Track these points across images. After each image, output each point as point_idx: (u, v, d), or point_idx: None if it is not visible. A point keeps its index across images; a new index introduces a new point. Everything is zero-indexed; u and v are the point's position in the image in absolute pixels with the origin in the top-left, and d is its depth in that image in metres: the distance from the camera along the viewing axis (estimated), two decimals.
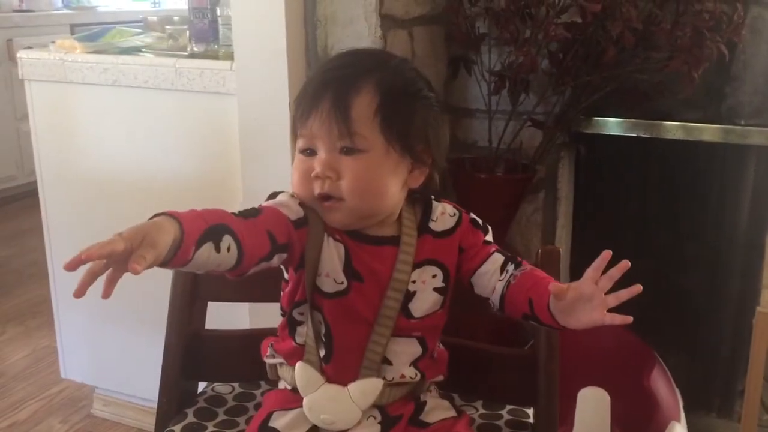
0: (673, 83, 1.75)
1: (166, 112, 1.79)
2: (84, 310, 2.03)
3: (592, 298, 0.85)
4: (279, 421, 0.97)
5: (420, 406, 1.02)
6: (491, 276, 0.98)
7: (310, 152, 0.93)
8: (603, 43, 1.67)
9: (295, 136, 0.95)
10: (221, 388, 1.22)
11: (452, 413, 1.03)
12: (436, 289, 0.98)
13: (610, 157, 2.04)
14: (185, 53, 1.80)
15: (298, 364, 0.97)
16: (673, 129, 1.87)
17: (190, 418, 1.14)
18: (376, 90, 0.90)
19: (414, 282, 0.96)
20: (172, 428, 1.11)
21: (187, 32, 1.83)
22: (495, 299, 0.98)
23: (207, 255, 0.81)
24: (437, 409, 1.03)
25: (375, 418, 0.97)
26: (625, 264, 0.86)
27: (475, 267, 0.99)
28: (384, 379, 0.97)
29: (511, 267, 0.98)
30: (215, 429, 1.12)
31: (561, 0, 1.68)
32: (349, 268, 0.93)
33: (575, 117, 1.88)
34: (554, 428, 1.07)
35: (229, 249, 0.83)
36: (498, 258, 0.99)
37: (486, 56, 1.85)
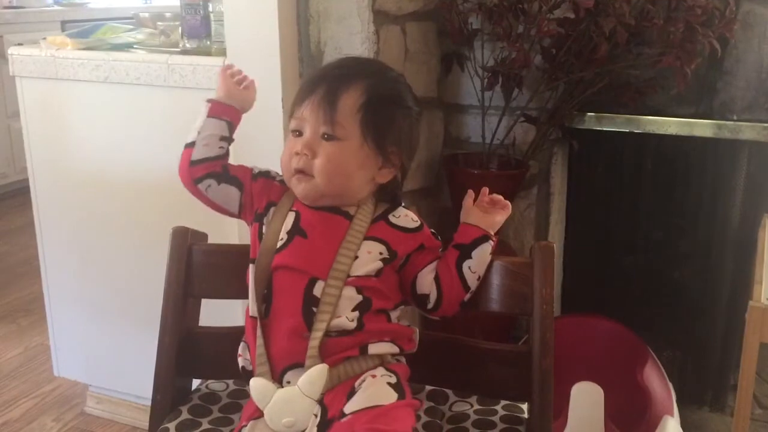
0: (666, 79, 1.76)
1: (159, 109, 1.79)
2: (77, 308, 2.02)
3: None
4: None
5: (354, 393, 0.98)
6: (434, 273, 1.08)
7: (298, 134, 1.04)
8: (596, 38, 1.67)
9: (290, 118, 1.07)
10: (215, 385, 1.22)
11: (376, 403, 0.96)
12: (381, 258, 1.04)
13: (602, 152, 2.05)
14: (177, 49, 1.79)
15: (252, 380, 1.01)
16: (665, 124, 1.88)
17: (185, 415, 1.13)
18: (364, 91, 1.02)
19: (359, 248, 1.04)
20: (166, 425, 1.11)
21: (180, 28, 1.82)
22: (432, 286, 1.07)
23: (219, 133, 1.11)
24: (365, 396, 0.97)
25: (316, 416, 0.98)
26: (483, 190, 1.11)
27: (426, 263, 1.08)
28: (320, 321, 0.99)
29: None
30: (210, 426, 1.11)
31: None
32: (295, 228, 1.04)
33: (568, 113, 1.89)
34: (548, 423, 1.08)
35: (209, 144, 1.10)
36: None
37: (479, 52, 1.85)
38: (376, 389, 0.98)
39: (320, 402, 0.98)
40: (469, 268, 1.06)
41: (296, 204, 1.07)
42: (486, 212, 1.10)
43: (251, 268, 1.06)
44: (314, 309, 1.00)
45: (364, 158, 1.03)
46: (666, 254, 2.06)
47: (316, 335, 0.99)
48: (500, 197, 1.11)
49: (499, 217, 1.10)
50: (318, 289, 1.00)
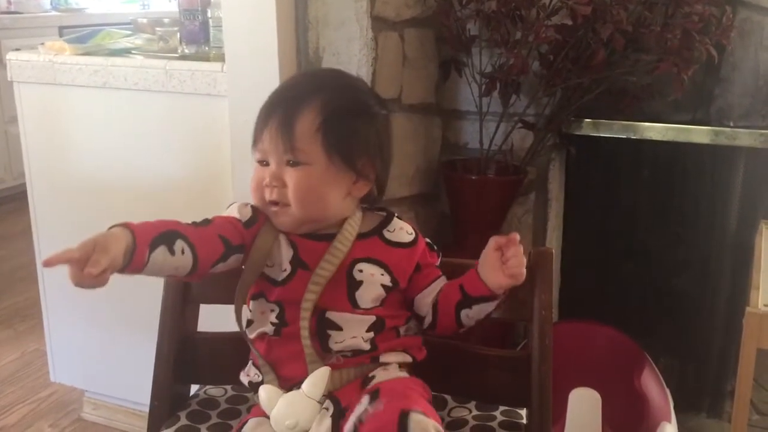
0: (663, 85, 1.77)
1: (157, 114, 1.79)
2: (74, 313, 2.02)
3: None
4: (249, 425, 1.01)
5: (367, 382, 1.02)
6: (432, 296, 1.08)
7: (265, 163, 1.02)
8: (593, 45, 1.68)
9: (253, 147, 1.04)
10: (214, 390, 1.22)
11: (397, 374, 1.03)
12: (383, 286, 1.04)
13: (600, 158, 2.05)
14: (176, 55, 1.79)
15: (261, 388, 1.02)
16: (662, 131, 1.88)
17: (183, 421, 1.13)
18: (320, 109, 1.00)
19: (361, 272, 1.03)
20: (164, 431, 1.11)
21: (178, 34, 1.82)
22: (429, 311, 1.08)
23: (162, 258, 0.91)
24: (383, 374, 1.03)
25: (328, 410, 0.99)
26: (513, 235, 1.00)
27: (424, 286, 1.08)
28: (335, 343, 1.01)
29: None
30: None
31: (551, 2, 1.69)
32: (296, 259, 1.02)
33: (566, 119, 1.89)
34: (547, 429, 1.08)
35: (183, 252, 0.93)
36: (442, 282, 1.09)
37: (477, 58, 1.85)
38: (389, 373, 1.02)
39: (330, 397, 0.99)
40: (467, 315, 1.06)
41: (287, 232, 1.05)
42: (500, 266, 1.00)
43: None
44: (329, 332, 1.02)
45: (334, 177, 1.01)
46: (663, 260, 2.06)
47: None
48: (520, 258, 0.99)
49: (505, 282, 1.00)
50: (329, 316, 1.02)
